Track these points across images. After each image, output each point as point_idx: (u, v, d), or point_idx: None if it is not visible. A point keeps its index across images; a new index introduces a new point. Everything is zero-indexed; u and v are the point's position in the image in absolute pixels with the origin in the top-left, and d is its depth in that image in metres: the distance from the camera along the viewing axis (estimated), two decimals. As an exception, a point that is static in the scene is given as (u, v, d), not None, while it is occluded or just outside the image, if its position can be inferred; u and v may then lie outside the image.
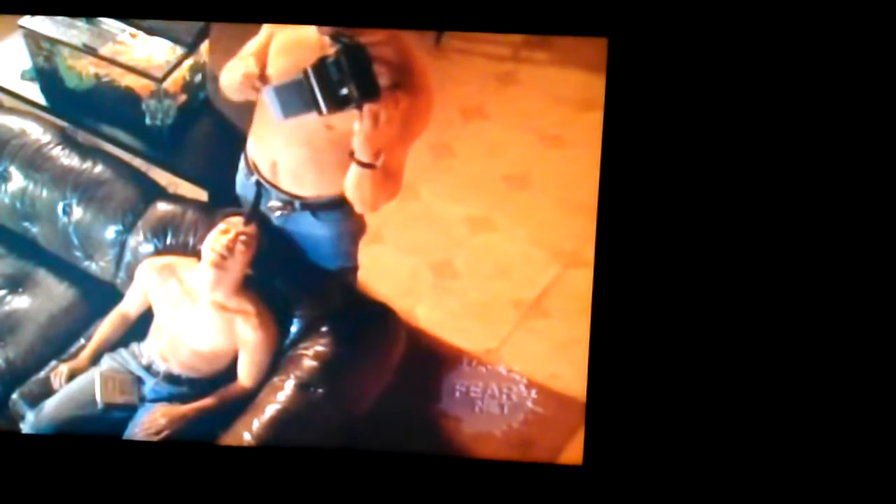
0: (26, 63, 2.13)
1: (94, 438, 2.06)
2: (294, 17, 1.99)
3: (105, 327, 2.11)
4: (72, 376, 2.09)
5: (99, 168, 2.13)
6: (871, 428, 2.00)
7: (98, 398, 2.05)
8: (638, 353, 2.01)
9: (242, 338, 2.04)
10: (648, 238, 2.00)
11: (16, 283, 2.19)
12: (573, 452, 2.03)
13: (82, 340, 2.13)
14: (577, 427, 2.02)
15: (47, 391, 2.09)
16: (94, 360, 2.10)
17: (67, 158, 2.14)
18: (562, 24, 1.96)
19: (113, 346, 2.10)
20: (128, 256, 2.12)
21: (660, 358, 2.02)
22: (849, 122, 1.97)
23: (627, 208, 1.99)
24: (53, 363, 2.12)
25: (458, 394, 2.06)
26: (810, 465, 2.01)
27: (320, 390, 2.02)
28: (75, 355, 2.12)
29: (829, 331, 2.00)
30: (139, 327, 2.10)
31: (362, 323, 2.08)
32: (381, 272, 2.09)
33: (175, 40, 2.07)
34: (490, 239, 2.06)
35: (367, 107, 1.88)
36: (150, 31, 2.08)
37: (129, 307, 2.11)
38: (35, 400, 2.08)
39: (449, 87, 2.01)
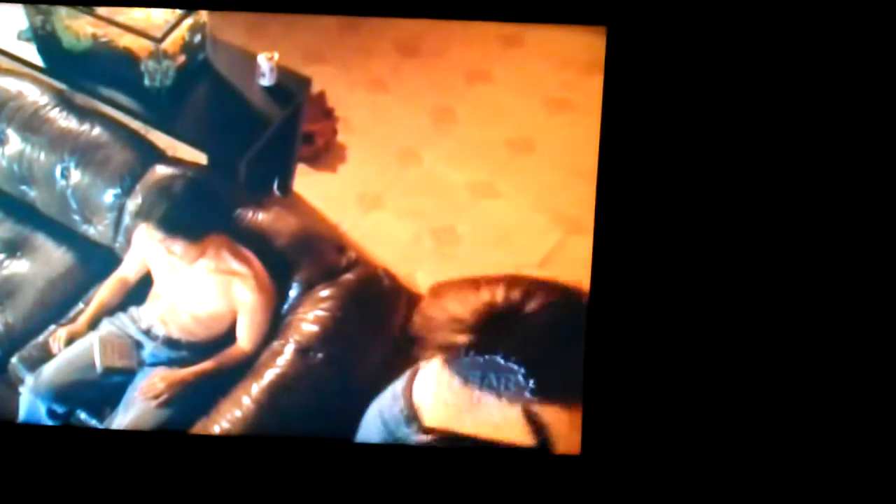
0: (23, 24, 2.10)
1: (86, 430, 2.06)
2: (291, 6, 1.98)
3: (104, 291, 2.10)
4: (70, 341, 2.08)
5: (97, 130, 2.11)
6: (871, 416, 2.00)
7: (97, 362, 2.05)
8: (639, 333, 2.00)
9: (240, 300, 2.03)
10: (648, 207, 1.99)
11: (14, 248, 2.18)
12: (571, 442, 2.02)
13: (81, 305, 2.12)
14: (575, 417, 2.01)
15: (46, 355, 2.08)
16: (93, 324, 2.09)
17: (65, 121, 2.12)
18: (560, 13, 1.94)
19: (112, 310, 2.10)
20: (126, 220, 2.10)
21: (658, 336, 2.00)
22: (848, 103, 1.95)
23: (628, 175, 1.97)
24: (52, 328, 2.11)
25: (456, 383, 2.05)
26: (808, 456, 2.01)
27: (320, 355, 2.01)
28: (74, 320, 2.11)
29: (831, 312, 1.99)
30: (138, 291, 2.09)
31: (362, 288, 2.06)
32: (382, 238, 2.08)
33: (174, 0, 2.04)
34: (492, 205, 2.04)
35: None
36: (149, -10, 2.05)
37: (127, 271, 2.09)
38: (34, 364, 2.08)
39: (453, 49, 1.98)
